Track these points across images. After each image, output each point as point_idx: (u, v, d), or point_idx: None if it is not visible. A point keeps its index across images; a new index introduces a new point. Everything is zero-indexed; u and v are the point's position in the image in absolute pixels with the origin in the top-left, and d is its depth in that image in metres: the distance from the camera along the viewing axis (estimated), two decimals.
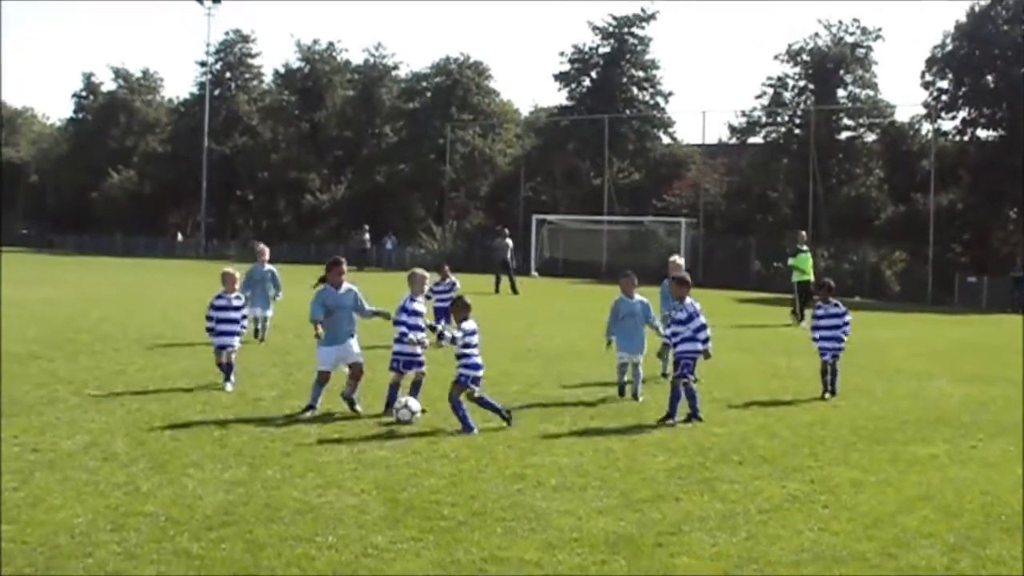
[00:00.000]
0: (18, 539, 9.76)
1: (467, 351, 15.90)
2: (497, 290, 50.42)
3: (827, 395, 19.65)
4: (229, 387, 18.69)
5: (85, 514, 10.59)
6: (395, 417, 16.11)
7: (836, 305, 20.47)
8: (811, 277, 37.32)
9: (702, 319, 17.39)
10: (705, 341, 17.33)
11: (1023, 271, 56.64)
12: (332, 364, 17.25)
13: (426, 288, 18.76)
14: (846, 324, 20.36)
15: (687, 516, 11.16)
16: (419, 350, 17.04)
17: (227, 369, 19.00)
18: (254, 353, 23.77)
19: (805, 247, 38.28)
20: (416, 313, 17.49)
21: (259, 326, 26.44)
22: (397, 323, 17.32)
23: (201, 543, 9.76)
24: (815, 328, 20.46)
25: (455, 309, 16.55)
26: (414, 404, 16.23)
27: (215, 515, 10.68)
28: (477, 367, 15.97)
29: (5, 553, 9.37)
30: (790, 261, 38.71)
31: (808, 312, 34.62)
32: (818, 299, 21.02)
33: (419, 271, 18.31)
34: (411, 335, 16.87)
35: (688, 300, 17.47)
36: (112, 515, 10.59)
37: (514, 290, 50.36)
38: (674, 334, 17.47)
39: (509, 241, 55.08)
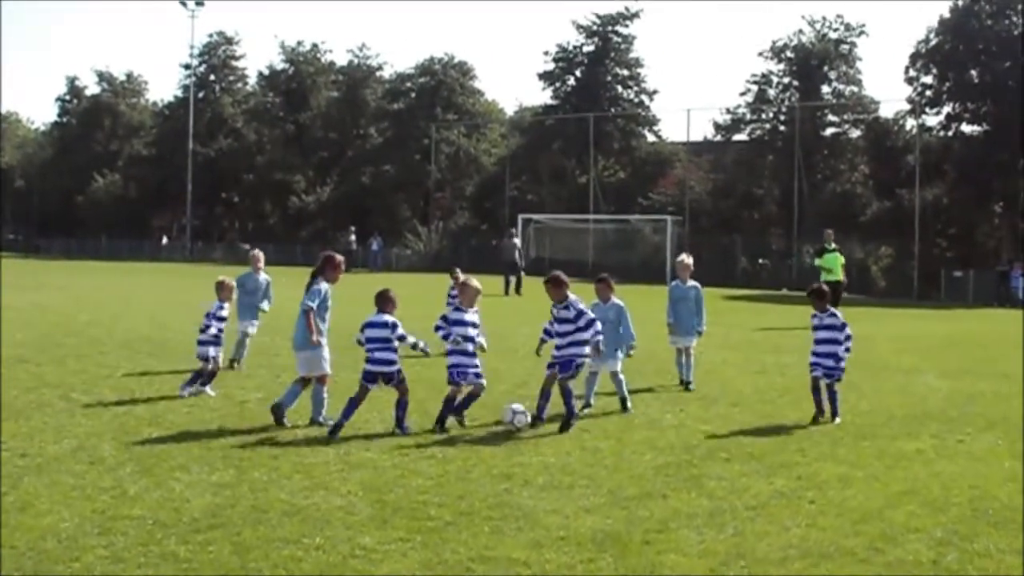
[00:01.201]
0: (6, 544, 9.74)
1: (367, 345, 15.70)
2: (506, 292, 49.80)
3: (820, 417, 16.94)
4: (210, 391, 18.40)
5: (72, 518, 10.57)
6: (512, 423, 15.54)
7: (833, 315, 17.55)
8: (840, 277, 35.93)
9: (591, 314, 16.40)
10: (595, 335, 16.22)
11: (1009, 265, 56.81)
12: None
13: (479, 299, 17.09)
14: (847, 339, 17.30)
15: (674, 513, 11.17)
16: (471, 360, 16.08)
17: (210, 376, 18.69)
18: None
19: (834, 245, 36.92)
20: (463, 323, 16.15)
21: (240, 346, 23.02)
22: (438, 328, 16.20)
23: (188, 546, 9.75)
24: (815, 341, 17.56)
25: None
26: (519, 407, 15.82)
27: (202, 518, 10.66)
28: (372, 362, 15.67)
29: None
30: (816, 261, 37.33)
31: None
32: (814, 310, 17.67)
33: (472, 282, 16.90)
34: (455, 335, 15.97)
35: (572, 297, 16.43)
36: (99, 519, 10.57)
37: (517, 291, 49.75)
38: (560, 335, 16.37)
39: (517, 241, 54.50)
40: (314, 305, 16.15)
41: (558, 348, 16.35)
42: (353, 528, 10.42)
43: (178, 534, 10.10)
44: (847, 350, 17.34)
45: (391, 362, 15.62)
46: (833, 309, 17.66)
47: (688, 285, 20.85)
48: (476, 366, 16.12)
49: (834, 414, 16.99)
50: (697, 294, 20.81)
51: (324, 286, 16.46)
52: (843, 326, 17.36)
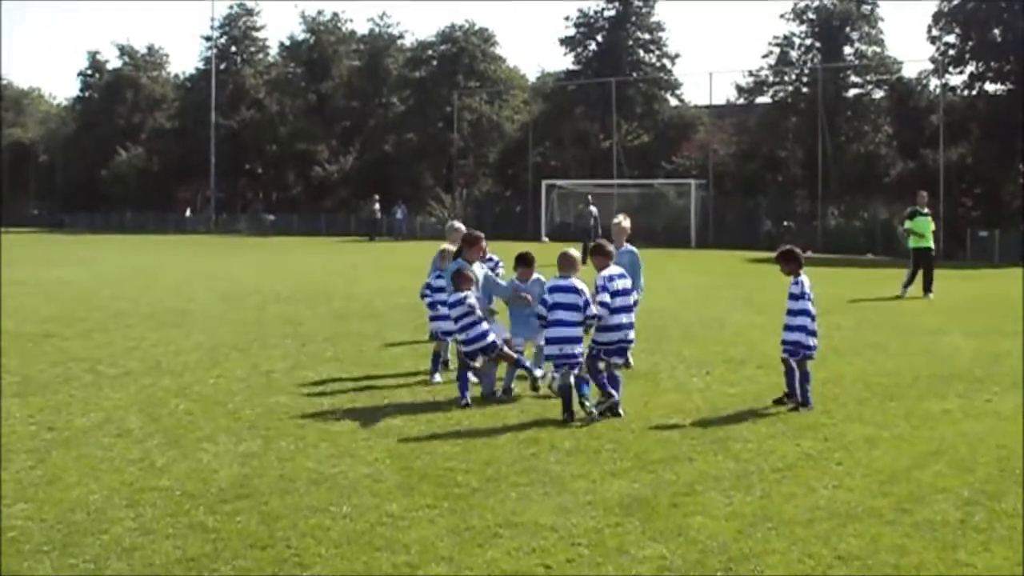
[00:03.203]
0: (36, 517, 9.79)
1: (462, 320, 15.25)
2: (584, 261, 47.51)
3: (786, 398, 14.97)
4: (437, 378, 16.91)
5: (101, 490, 10.62)
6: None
7: (796, 282, 15.26)
8: (931, 244, 32.80)
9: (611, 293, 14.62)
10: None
11: None
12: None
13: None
14: (801, 313, 15.16)
15: (701, 476, 11.16)
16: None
17: (435, 359, 17.19)
18: (266, 325, 23.78)
19: (926, 210, 33.27)
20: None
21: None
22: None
23: (216, 516, 9.79)
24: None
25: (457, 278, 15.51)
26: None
27: (230, 488, 10.70)
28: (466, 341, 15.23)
29: (24, 531, 9.40)
30: (906, 224, 34.00)
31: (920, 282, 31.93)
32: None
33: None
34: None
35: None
36: (127, 491, 10.62)
37: (583, 260, 47.52)
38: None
39: (593, 208, 52.88)
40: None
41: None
42: (380, 496, 10.44)
43: (206, 504, 10.14)
44: (800, 327, 15.09)
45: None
46: (802, 276, 15.23)
47: (623, 250, 18.15)
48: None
49: (800, 400, 14.83)
50: (632, 258, 18.11)
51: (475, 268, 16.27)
52: (800, 296, 15.12)
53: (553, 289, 14.52)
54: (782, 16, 76.51)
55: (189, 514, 9.86)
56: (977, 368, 18.35)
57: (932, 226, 33.06)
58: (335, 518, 9.73)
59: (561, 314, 14.29)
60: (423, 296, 18.10)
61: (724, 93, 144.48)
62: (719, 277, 33.98)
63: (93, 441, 12.69)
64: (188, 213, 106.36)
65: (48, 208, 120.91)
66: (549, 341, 14.50)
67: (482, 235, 16.92)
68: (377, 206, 79.47)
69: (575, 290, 14.38)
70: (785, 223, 68.17)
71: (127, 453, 12.11)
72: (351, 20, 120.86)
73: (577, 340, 14.35)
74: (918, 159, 65.94)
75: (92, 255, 55.26)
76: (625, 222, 18.65)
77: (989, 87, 66.43)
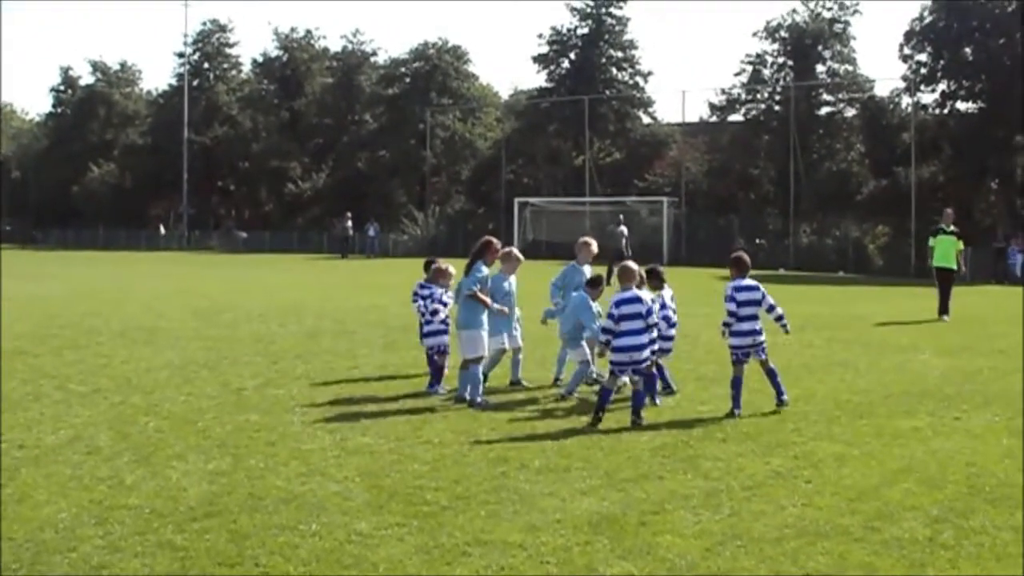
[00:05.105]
0: (4, 535, 9.74)
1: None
2: (609, 282, 47.38)
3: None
4: (440, 391, 17.35)
5: (69, 509, 10.58)
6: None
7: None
8: (953, 265, 31.03)
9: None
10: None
11: (1005, 242, 56.77)
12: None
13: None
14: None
15: (671, 494, 11.17)
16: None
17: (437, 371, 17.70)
18: (236, 343, 23.72)
19: (950, 227, 31.33)
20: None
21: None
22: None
23: (185, 534, 9.76)
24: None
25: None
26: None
27: (199, 506, 10.67)
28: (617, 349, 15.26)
29: None
30: (930, 242, 32.14)
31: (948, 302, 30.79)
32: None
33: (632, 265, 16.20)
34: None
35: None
36: (96, 509, 10.58)
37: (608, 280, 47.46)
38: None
39: (624, 229, 52.65)
40: (476, 288, 16.92)
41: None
42: (349, 514, 10.43)
43: (175, 522, 10.11)
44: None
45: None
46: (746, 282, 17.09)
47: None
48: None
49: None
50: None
51: (485, 270, 17.18)
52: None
53: (619, 302, 15.20)
54: (755, 34, 76.92)
55: (158, 532, 9.83)
56: (948, 386, 18.40)
57: (958, 245, 31.36)
58: (304, 536, 9.72)
59: (628, 324, 15.10)
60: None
61: (697, 111, 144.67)
62: (691, 295, 34.01)
63: (63, 459, 12.64)
64: (161, 230, 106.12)
65: (20, 224, 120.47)
66: (617, 350, 15.13)
67: (493, 239, 17.96)
68: (349, 223, 79.43)
69: (639, 300, 15.37)
70: (757, 241, 68.39)
71: (96, 471, 12.07)
72: (324, 37, 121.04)
73: (642, 347, 15.20)
74: (890, 177, 66.21)
75: (64, 271, 55.10)
76: (592, 245, 19.47)
77: (961, 105, 66.87)
